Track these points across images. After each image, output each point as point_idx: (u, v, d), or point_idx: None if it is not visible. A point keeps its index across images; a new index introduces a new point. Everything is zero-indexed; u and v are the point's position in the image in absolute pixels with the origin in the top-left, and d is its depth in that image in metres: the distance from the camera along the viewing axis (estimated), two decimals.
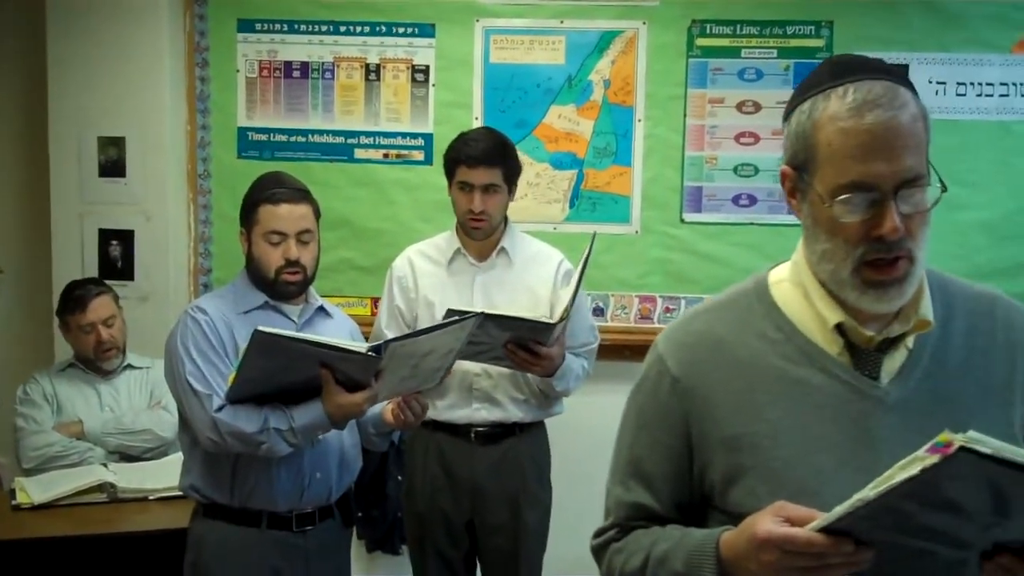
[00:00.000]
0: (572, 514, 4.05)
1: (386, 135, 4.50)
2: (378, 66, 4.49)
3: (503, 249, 3.36)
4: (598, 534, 1.67)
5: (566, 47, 4.45)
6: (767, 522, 1.34)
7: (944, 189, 1.44)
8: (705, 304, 1.63)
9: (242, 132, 4.53)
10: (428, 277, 3.36)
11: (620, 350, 4.32)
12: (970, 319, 1.55)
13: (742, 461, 1.49)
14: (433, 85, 4.48)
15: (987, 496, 1.20)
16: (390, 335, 2.99)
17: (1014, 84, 4.27)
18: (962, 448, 1.12)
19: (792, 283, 1.56)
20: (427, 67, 4.48)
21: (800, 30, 4.41)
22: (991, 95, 4.22)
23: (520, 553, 3.39)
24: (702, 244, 4.49)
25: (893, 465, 1.20)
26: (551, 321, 3.09)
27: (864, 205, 1.41)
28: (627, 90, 4.46)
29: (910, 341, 1.51)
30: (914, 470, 1.16)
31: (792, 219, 4.33)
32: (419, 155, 4.48)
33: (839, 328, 1.50)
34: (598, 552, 1.66)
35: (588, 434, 4.41)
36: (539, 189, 4.48)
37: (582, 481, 4.33)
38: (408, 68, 4.49)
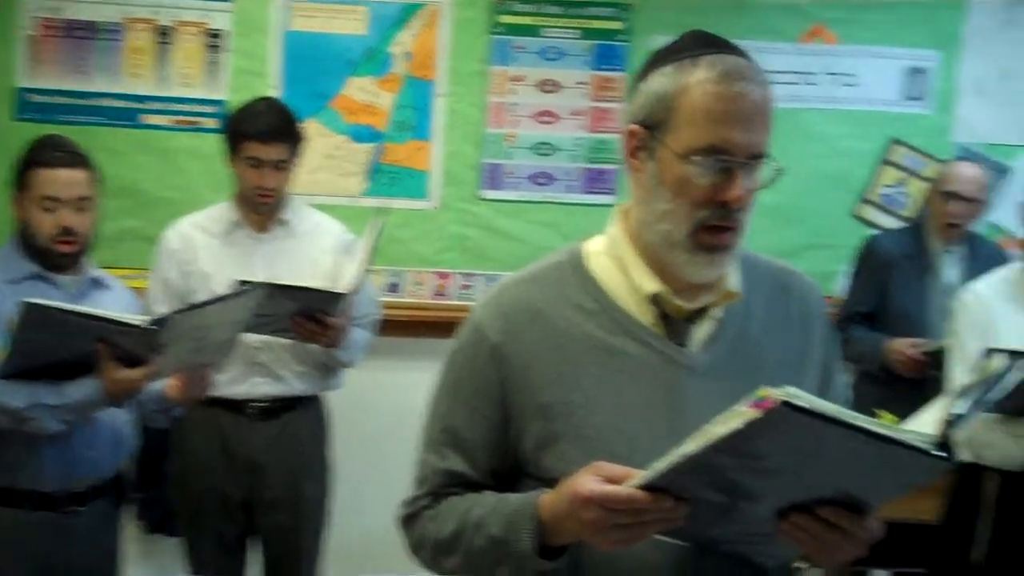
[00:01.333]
0: (359, 488, 4.03)
1: (178, 101, 4.34)
2: (171, 29, 4.31)
3: (284, 220, 3.30)
4: (409, 502, 1.64)
5: (368, 18, 4.38)
6: (588, 481, 1.35)
7: (781, 172, 1.50)
8: (521, 274, 1.64)
9: (21, 93, 4.29)
10: (205, 250, 3.26)
11: (415, 326, 4.30)
12: (770, 293, 1.62)
13: (557, 428, 1.51)
14: (229, 51, 4.34)
15: (794, 453, 1.24)
16: (160, 311, 2.88)
17: (800, 73, 4.43)
18: (783, 402, 1.16)
19: (607, 255, 1.59)
20: (223, 32, 4.33)
21: (601, 12, 4.46)
22: (778, 83, 4.36)
23: (301, 528, 3.35)
24: (500, 221, 4.50)
25: (695, 435, 1.24)
26: (343, 291, 3.05)
27: (715, 169, 1.45)
28: (429, 64, 4.42)
29: (717, 312, 1.56)
30: (737, 423, 1.19)
31: (588, 199, 4.49)
32: (212, 123, 4.33)
33: (653, 299, 1.54)
34: (409, 521, 1.64)
35: (380, 409, 4.40)
36: (337, 162, 4.40)
37: (372, 455, 4.31)
38: (203, 32, 4.33)
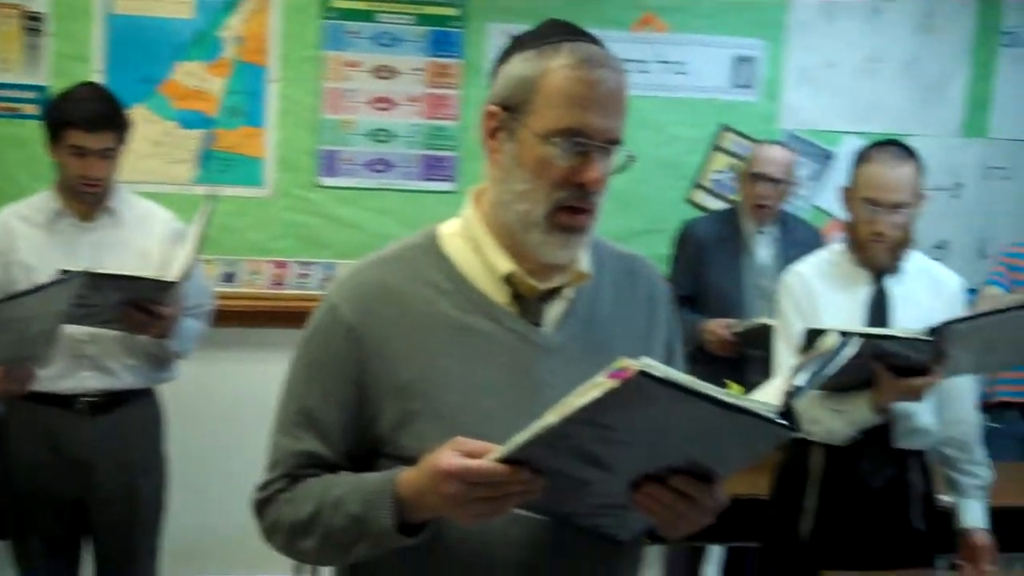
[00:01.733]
0: (196, 483, 3.94)
1: None
2: None
3: (111, 209, 3.18)
4: (263, 487, 1.62)
5: (195, 1, 4.26)
6: (448, 456, 1.37)
7: (632, 159, 1.55)
8: (376, 256, 1.65)
9: None
10: (27, 240, 3.11)
11: (252, 316, 4.23)
12: (618, 276, 1.68)
13: (413, 406, 1.53)
14: (49, 35, 4.16)
15: (648, 422, 1.28)
16: None
17: (633, 61, 4.51)
18: (640, 372, 1.19)
19: (462, 237, 1.62)
20: (42, 15, 4.15)
21: None
22: None
23: (135, 525, 3.24)
24: (337, 208, 4.45)
25: (554, 407, 1.27)
26: (172, 280, 2.96)
27: (573, 152, 1.49)
28: (260, 49, 4.33)
29: (569, 292, 1.61)
30: (596, 393, 1.22)
31: (426, 185, 4.47)
32: (32, 109, 4.15)
33: (508, 279, 1.57)
34: (263, 505, 1.61)
35: (218, 402, 4.31)
36: (166, 149, 4.27)
37: (210, 449, 4.22)
38: (21, 15, 4.15)
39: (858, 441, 2.79)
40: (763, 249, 4.03)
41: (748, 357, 3.75)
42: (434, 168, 4.49)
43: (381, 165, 4.47)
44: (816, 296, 2.86)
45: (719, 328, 3.81)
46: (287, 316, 4.17)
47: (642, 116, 4.55)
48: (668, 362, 1.63)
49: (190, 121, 4.29)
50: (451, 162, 4.49)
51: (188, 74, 4.27)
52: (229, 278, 4.35)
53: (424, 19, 4.45)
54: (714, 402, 1.25)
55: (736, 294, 3.99)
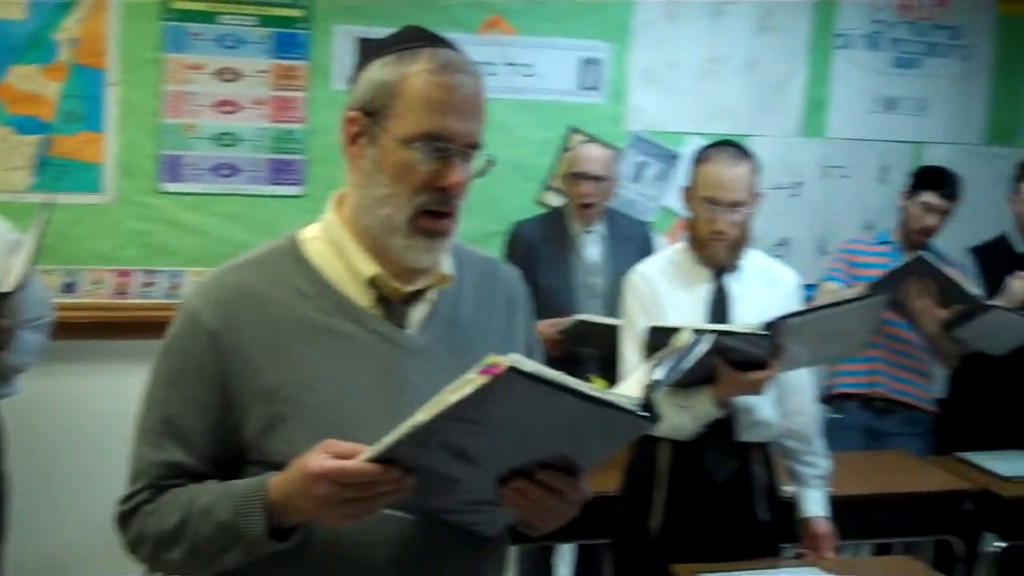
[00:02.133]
0: (39, 498, 3.81)
1: None
2: None
3: None
4: (126, 499, 1.58)
5: (28, 2, 4.10)
6: (319, 458, 1.38)
7: (492, 162, 1.59)
8: (236, 262, 1.64)
9: None
10: None
11: (94, 328, 4.09)
12: (478, 278, 1.72)
13: (280, 411, 1.53)
14: None
15: (518, 417, 1.31)
16: None
17: (481, 64, 4.50)
18: (511, 368, 1.23)
19: (324, 241, 1.63)
20: None
21: None
22: None
23: None
24: (182, 215, 4.34)
25: (421, 407, 1.30)
26: (7, 290, 2.85)
27: (434, 156, 1.52)
28: (98, 51, 4.20)
29: (432, 295, 1.63)
30: (468, 389, 1.25)
31: (274, 190, 4.40)
32: None
33: (371, 282, 1.58)
34: (126, 518, 1.58)
35: (61, 416, 4.17)
36: (0, 155, 4.10)
37: (53, 464, 4.08)
38: None
39: (702, 436, 2.85)
40: (591, 248, 4.08)
41: (580, 356, 3.80)
42: (281, 172, 4.42)
43: (227, 170, 4.38)
44: (659, 294, 2.91)
45: (546, 328, 3.81)
46: (132, 327, 4.07)
47: (491, 118, 4.51)
48: None
49: (25, 126, 4.13)
50: (299, 166, 4.43)
51: (22, 77, 4.11)
52: (70, 288, 4.20)
53: (268, 20, 4.38)
54: (580, 396, 1.29)
55: (566, 294, 4.03)
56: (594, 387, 1.32)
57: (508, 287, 1.77)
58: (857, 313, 2.92)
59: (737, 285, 2.93)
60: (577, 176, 4.03)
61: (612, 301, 3.93)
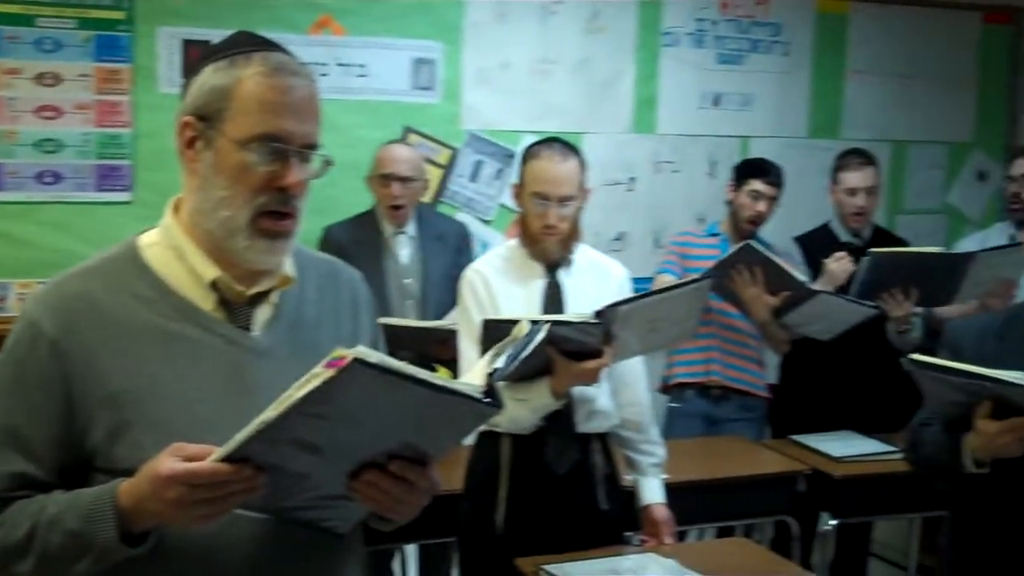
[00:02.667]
0: None
1: None
2: None
3: None
4: None
5: None
6: (168, 461, 1.38)
7: (330, 163, 1.62)
8: (75, 269, 1.63)
9: None
10: None
11: None
12: (320, 280, 1.73)
13: (126, 417, 1.52)
14: None
15: (365, 409, 1.34)
16: None
17: (312, 64, 4.46)
18: (356, 359, 1.25)
19: (164, 246, 1.62)
20: None
21: (100, 1, 4.26)
22: None
23: None
24: (4, 224, 4.19)
25: (272, 404, 1.31)
26: None
27: (271, 157, 1.54)
28: None
29: (275, 296, 1.64)
30: (316, 383, 1.27)
31: (101, 196, 4.27)
32: None
33: (213, 285, 1.59)
34: None
35: None
36: None
37: None
38: None
39: (542, 429, 2.88)
40: (403, 249, 4.04)
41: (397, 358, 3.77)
42: (108, 178, 4.29)
43: (51, 177, 4.23)
44: (494, 291, 2.94)
45: None
46: None
47: (326, 119, 4.43)
48: None
49: None
50: (126, 171, 4.31)
51: None
52: None
53: (88, 23, 4.26)
54: (426, 385, 1.32)
55: (380, 296, 3.96)
56: (439, 376, 1.35)
57: (352, 288, 1.78)
58: (684, 298, 2.99)
59: (569, 279, 2.97)
60: (385, 177, 3.98)
61: (426, 302, 3.96)
